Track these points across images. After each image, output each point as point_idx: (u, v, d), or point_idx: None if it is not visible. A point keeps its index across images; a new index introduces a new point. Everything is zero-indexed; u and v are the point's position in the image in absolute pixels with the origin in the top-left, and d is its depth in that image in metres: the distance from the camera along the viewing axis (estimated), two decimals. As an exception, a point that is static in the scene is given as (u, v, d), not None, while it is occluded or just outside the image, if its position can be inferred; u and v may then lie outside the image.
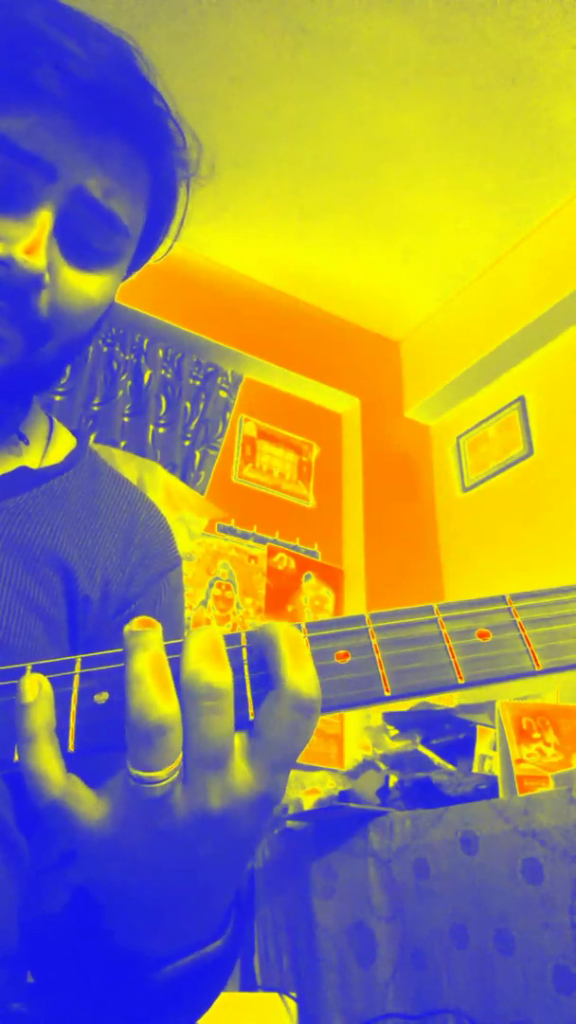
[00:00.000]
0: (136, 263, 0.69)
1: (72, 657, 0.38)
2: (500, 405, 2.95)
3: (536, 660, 0.39)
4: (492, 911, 1.23)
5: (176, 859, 0.39)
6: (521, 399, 2.86)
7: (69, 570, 0.64)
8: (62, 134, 0.56)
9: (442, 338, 3.21)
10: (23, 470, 0.66)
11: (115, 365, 2.73)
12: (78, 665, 0.38)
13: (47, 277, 0.56)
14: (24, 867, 0.58)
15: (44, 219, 0.56)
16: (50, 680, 0.37)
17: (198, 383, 2.87)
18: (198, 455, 2.75)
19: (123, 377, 2.72)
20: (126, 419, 2.68)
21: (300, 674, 0.37)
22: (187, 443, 2.75)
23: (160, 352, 2.82)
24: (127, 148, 0.59)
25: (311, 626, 0.40)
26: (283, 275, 3.13)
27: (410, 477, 3.15)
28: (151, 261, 0.72)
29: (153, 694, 0.35)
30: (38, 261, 0.55)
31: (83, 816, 0.37)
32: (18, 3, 0.56)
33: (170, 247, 0.71)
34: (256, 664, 0.38)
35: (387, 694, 0.38)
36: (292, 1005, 1.55)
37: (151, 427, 2.67)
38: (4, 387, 0.60)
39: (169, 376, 2.83)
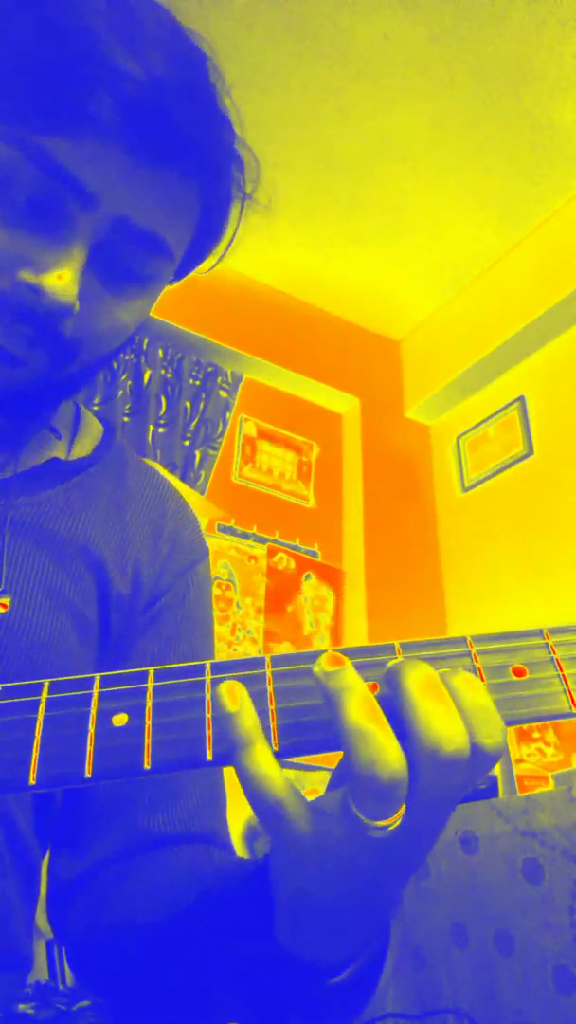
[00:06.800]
0: (175, 278, 0.65)
1: (90, 675, 0.37)
2: (500, 405, 2.95)
3: (574, 701, 0.36)
4: (492, 911, 1.24)
5: (372, 869, 0.37)
6: (521, 399, 2.86)
7: (101, 566, 0.63)
8: (111, 163, 0.51)
9: (442, 338, 3.21)
10: (54, 461, 0.65)
11: (115, 365, 2.72)
12: (96, 684, 0.36)
13: (76, 307, 0.53)
14: (33, 873, 0.58)
15: (79, 248, 0.52)
16: (65, 700, 0.36)
17: (198, 383, 2.87)
18: (198, 455, 2.75)
19: (123, 377, 2.72)
20: (126, 419, 2.68)
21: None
22: (187, 443, 2.75)
23: (160, 352, 2.82)
24: (181, 174, 0.54)
25: (345, 652, 0.37)
26: (283, 275, 3.12)
27: (410, 477, 3.14)
28: (191, 275, 0.67)
29: (381, 750, 0.33)
30: (68, 292, 0.51)
31: (298, 819, 0.36)
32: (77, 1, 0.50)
33: (215, 264, 0.67)
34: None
35: None
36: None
37: (151, 427, 2.67)
38: (31, 397, 0.58)
39: (169, 376, 2.83)
